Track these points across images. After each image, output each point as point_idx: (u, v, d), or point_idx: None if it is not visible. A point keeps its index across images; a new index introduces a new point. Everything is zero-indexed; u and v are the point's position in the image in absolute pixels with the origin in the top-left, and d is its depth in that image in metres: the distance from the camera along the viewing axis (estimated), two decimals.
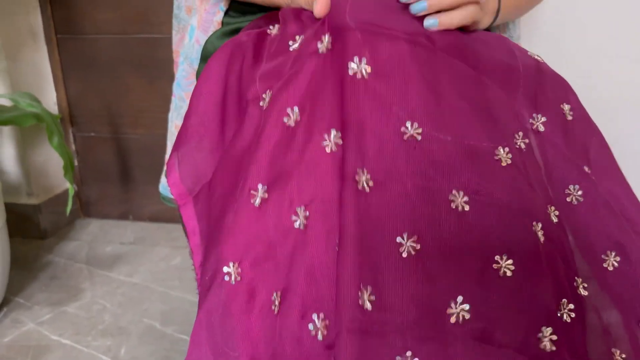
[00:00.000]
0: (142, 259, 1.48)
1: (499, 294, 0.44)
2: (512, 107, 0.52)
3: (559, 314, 0.46)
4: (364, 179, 0.46)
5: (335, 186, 0.47)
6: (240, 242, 0.48)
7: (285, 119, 0.49)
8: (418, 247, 0.44)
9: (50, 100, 1.60)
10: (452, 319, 0.43)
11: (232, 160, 0.53)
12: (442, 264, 0.44)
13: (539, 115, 0.53)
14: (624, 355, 0.48)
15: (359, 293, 0.43)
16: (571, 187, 0.52)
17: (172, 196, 0.81)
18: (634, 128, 1.09)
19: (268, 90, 0.52)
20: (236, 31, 0.66)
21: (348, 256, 0.44)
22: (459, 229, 0.45)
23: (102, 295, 1.32)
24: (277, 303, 0.46)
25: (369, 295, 0.43)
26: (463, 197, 0.46)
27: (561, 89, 0.55)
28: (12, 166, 1.56)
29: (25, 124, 1.24)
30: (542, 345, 0.45)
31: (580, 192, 0.52)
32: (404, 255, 0.44)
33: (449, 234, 0.45)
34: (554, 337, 0.45)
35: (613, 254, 0.50)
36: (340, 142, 0.47)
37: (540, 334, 0.45)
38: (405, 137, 0.47)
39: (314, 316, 0.45)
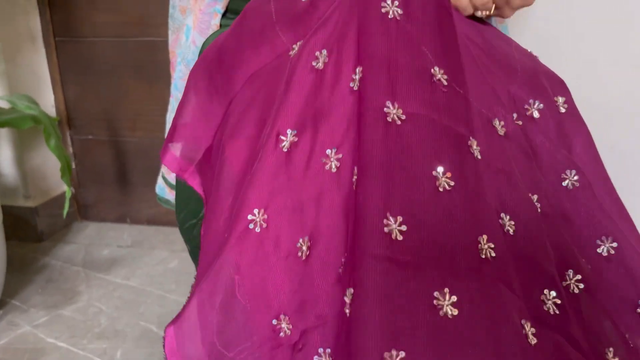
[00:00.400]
0: (139, 262, 1.47)
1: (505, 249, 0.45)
2: (509, 92, 0.54)
3: (564, 284, 0.46)
4: (394, 112, 0.46)
5: (362, 123, 0.47)
6: (265, 188, 0.46)
7: (314, 63, 0.50)
8: (452, 183, 0.45)
9: (48, 102, 1.60)
10: (482, 255, 0.43)
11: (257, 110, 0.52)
12: (470, 203, 0.45)
13: (536, 102, 0.54)
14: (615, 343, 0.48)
15: (386, 221, 0.43)
16: (568, 171, 0.52)
17: (168, 197, 0.81)
18: (634, 128, 1.09)
19: (299, 42, 0.52)
20: None
21: (373, 184, 0.44)
22: (477, 173, 0.46)
23: (98, 298, 1.32)
24: (304, 249, 0.46)
25: (399, 225, 0.43)
26: (477, 146, 0.47)
27: (556, 83, 0.56)
28: (9, 168, 1.55)
29: (23, 126, 1.24)
30: (545, 307, 0.44)
31: (576, 178, 0.52)
32: (440, 189, 0.44)
33: (472, 177, 0.46)
34: (558, 301, 0.45)
35: (610, 239, 0.51)
36: (361, 75, 0.48)
37: (543, 296, 0.45)
38: (435, 79, 0.48)
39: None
